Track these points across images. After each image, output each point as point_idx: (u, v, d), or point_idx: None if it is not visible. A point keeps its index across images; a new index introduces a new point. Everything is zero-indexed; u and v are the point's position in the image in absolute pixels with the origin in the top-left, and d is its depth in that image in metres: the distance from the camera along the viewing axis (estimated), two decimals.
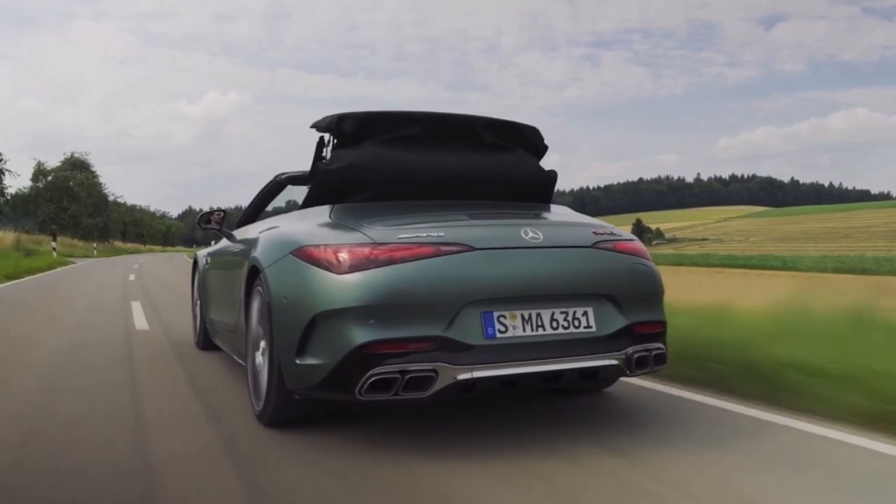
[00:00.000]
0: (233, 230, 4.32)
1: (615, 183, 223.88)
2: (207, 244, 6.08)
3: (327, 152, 3.24)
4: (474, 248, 2.63)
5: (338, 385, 2.53)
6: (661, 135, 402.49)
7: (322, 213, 3.03)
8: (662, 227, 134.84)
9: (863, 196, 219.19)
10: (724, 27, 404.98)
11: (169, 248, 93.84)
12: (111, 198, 61.49)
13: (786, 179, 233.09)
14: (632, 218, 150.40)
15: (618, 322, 2.79)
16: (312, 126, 3.30)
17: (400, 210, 3.01)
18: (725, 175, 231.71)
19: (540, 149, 3.63)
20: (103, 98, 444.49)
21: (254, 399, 3.11)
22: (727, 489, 2.23)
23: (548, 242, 2.77)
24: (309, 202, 3.26)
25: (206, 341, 5.01)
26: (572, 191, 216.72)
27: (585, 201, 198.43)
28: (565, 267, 2.78)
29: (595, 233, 2.95)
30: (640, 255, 3.03)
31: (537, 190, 3.53)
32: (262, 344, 3.02)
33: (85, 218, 50.76)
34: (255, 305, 3.16)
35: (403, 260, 2.54)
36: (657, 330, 2.94)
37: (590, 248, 2.88)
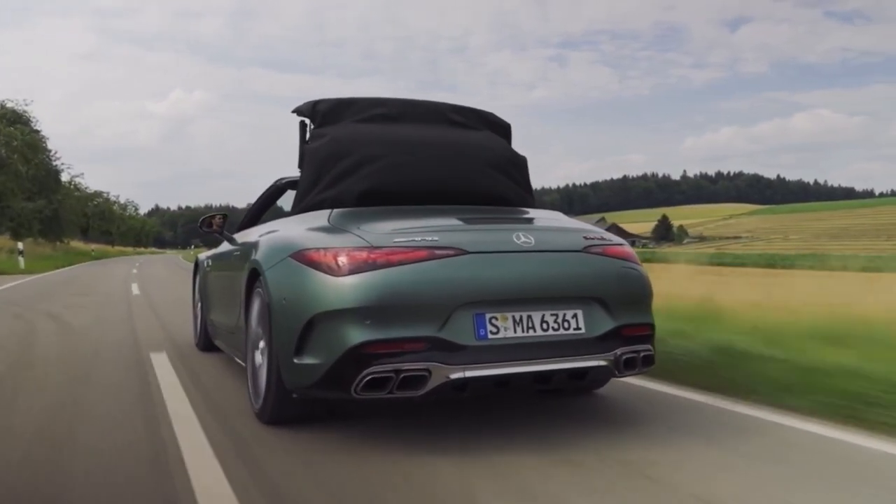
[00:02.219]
0: (234, 234, 4.41)
1: (602, 180, 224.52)
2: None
3: (308, 134, 3.57)
4: (467, 252, 2.73)
5: (334, 384, 2.63)
6: (628, 135, 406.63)
7: (321, 217, 3.13)
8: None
9: (848, 194, 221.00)
10: (690, 29, 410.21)
11: (142, 249, 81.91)
12: (66, 176, 44.11)
13: (771, 177, 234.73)
14: (642, 215, 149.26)
15: (607, 324, 2.89)
16: (293, 111, 3.66)
17: (396, 214, 3.11)
18: (711, 172, 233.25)
19: (507, 131, 4.00)
20: (64, 96, 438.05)
21: (253, 398, 3.21)
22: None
23: (539, 246, 2.88)
24: (301, 183, 3.48)
25: (206, 342, 5.10)
26: (559, 188, 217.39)
27: (573, 199, 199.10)
28: (556, 270, 2.88)
29: (586, 237, 3.07)
30: (629, 260, 3.14)
31: (513, 167, 3.74)
32: (262, 344, 3.11)
33: (16, 199, 33.85)
34: (255, 307, 3.25)
35: (399, 263, 2.65)
36: (645, 332, 3.05)
37: (580, 253, 2.98)
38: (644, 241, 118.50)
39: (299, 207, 3.44)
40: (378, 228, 2.82)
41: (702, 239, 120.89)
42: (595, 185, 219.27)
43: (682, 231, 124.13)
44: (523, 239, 2.86)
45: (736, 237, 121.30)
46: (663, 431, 2.99)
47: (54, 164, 39.93)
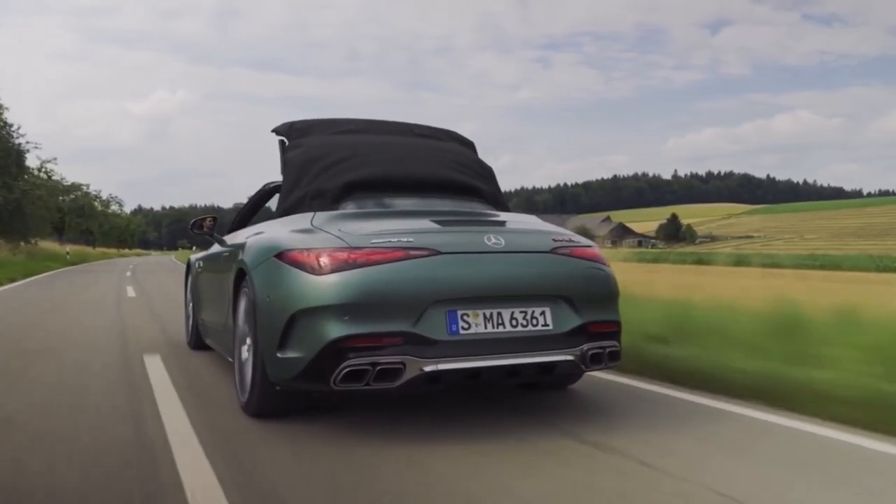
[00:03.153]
0: (224, 235, 4.58)
1: (593, 179, 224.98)
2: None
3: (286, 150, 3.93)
4: (441, 253, 2.92)
5: (315, 376, 2.81)
6: (611, 136, 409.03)
7: (304, 219, 3.31)
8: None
9: (838, 193, 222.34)
10: (672, 31, 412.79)
11: (126, 250, 72.24)
12: (35, 161, 35.99)
13: (763, 177, 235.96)
14: (640, 214, 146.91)
15: (573, 321, 3.08)
16: (273, 130, 4.05)
17: (374, 217, 3.30)
18: (701, 172, 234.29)
19: (472, 147, 4.37)
20: (44, 96, 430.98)
21: (240, 392, 3.38)
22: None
23: (509, 248, 3.06)
24: (283, 187, 3.78)
25: (197, 341, 5.27)
26: (550, 188, 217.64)
27: (565, 198, 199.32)
28: (525, 270, 3.07)
29: (554, 240, 3.26)
30: (596, 261, 3.33)
31: (483, 170, 4.02)
32: (248, 340, 3.28)
33: None
34: (242, 305, 3.43)
35: (375, 263, 2.83)
36: (611, 329, 3.23)
37: (548, 254, 3.17)
38: (652, 240, 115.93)
39: (283, 208, 3.65)
40: (357, 230, 2.99)
41: (713, 239, 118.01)
42: (587, 185, 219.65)
43: (691, 231, 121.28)
44: (494, 240, 3.04)
45: (747, 237, 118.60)
46: None
47: (15, 141, 29.75)
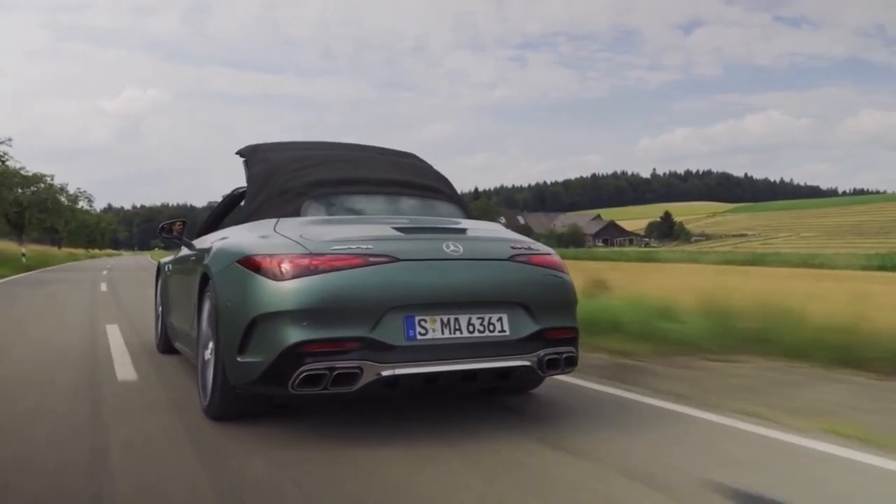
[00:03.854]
0: (193, 239, 4.61)
1: (573, 178, 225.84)
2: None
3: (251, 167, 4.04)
4: (399, 259, 2.98)
5: (273, 380, 2.86)
6: (586, 135, 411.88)
7: (267, 225, 3.35)
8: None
9: (814, 192, 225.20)
10: (646, 32, 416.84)
11: (97, 250, 67.30)
12: None
13: (741, 176, 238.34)
14: (626, 213, 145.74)
15: (530, 327, 3.15)
16: (237, 153, 4.15)
17: (335, 224, 3.36)
18: (680, 171, 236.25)
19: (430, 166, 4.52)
20: (13, 94, 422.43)
21: (202, 395, 3.43)
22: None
23: (467, 255, 3.13)
24: (248, 195, 3.92)
25: (166, 344, 5.29)
26: (530, 186, 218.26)
27: (545, 197, 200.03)
28: (482, 277, 3.14)
29: (513, 247, 3.32)
30: (554, 268, 3.40)
31: (439, 178, 4.18)
32: (211, 344, 3.33)
33: None
34: (206, 309, 3.47)
35: (334, 269, 2.89)
36: (569, 335, 3.31)
37: (506, 261, 3.24)
38: (645, 239, 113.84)
39: (247, 213, 3.74)
40: (318, 237, 3.05)
41: (707, 237, 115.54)
42: (567, 184, 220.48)
43: (683, 229, 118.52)
44: (452, 247, 3.11)
45: (741, 234, 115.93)
46: None
47: None
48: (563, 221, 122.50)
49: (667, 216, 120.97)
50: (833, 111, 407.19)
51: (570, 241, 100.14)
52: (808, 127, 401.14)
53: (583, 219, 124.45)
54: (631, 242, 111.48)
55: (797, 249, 65.07)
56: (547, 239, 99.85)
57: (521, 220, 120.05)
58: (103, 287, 14.16)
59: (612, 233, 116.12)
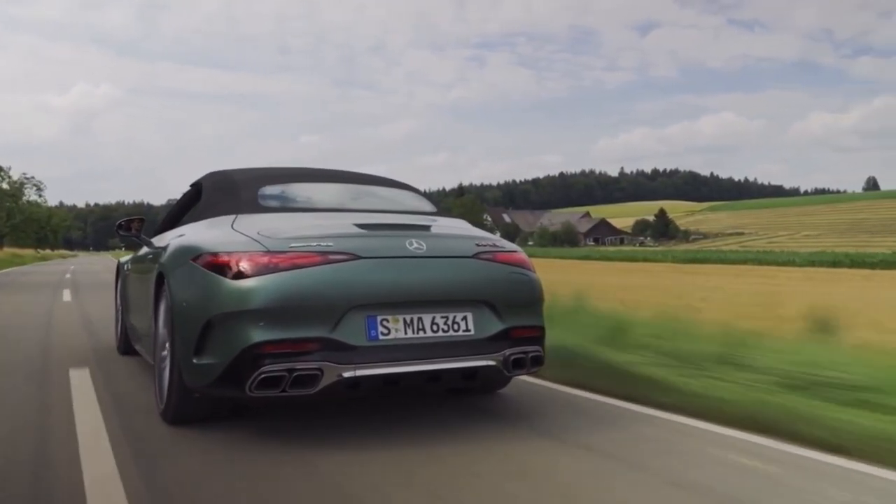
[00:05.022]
0: (152, 237, 4.48)
1: (542, 176, 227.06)
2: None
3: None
4: (360, 257, 2.90)
5: (230, 382, 2.77)
6: (545, 135, 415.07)
7: (225, 222, 3.25)
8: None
9: (777, 191, 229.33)
10: (603, 34, 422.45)
11: (49, 251, 55.91)
12: None
13: (707, 175, 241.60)
14: (608, 211, 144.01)
15: (495, 326, 3.09)
16: (191, 185, 4.21)
17: (296, 221, 3.26)
18: (648, 169, 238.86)
19: None
20: None
21: (158, 398, 3.32)
22: None
23: (431, 252, 3.06)
24: (203, 195, 3.90)
25: (126, 346, 5.13)
26: (499, 184, 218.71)
27: (514, 195, 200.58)
28: (446, 275, 3.08)
29: (478, 244, 3.26)
30: (520, 266, 3.34)
31: (398, 184, 4.18)
32: (168, 346, 3.22)
33: None
34: (162, 309, 3.36)
35: (293, 267, 2.80)
36: (534, 334, 3.25)
37: (470, 259, 3.18)
38: (640, 238, 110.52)
39: (202, 208, 3.72)
40: (277, 234, 2.96)
41: (704, 236, 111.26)
42: (536, 182, 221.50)
43: (675, 227, 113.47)
44: (416, 245, 3.04)
45: (738, 233, 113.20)
46: None
47: None
48: (551, 219, 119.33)
49: (662, 214, 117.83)
50: (784, 113, 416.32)
51: (565, 239, 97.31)
52: (761, 128, 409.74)
53: (572, 217, 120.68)
54: (622, 241, 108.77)
55: (809, 248, 63.67)
56: (539, 238, 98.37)
57: (506, 217, 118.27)
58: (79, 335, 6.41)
59: (603, 231, 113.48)
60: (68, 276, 19.02)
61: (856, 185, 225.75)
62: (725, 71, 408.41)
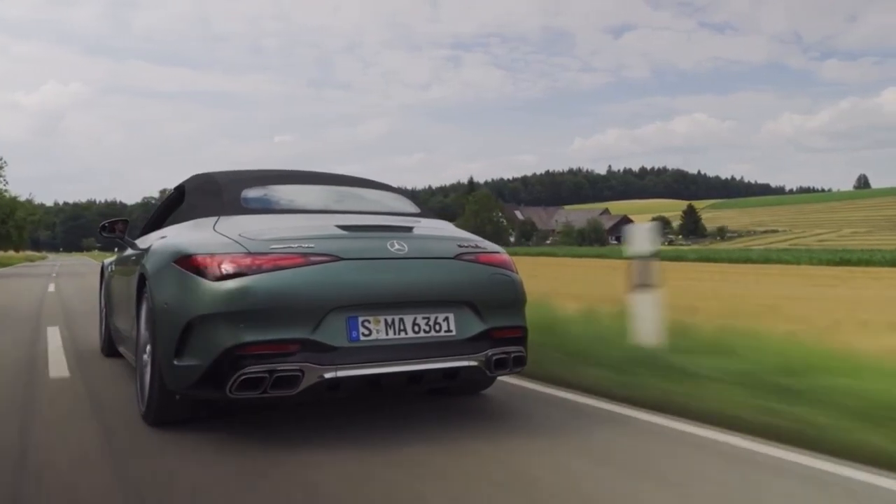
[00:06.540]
0: (136, 239, 4.47)
1: (531, 174, 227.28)
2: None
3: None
4: (341, 259, 2.92)
5: (211, 384, 2.79)
6: (520, 136, 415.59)
7: (207, 224, 3.26)
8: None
9: (765, 189, 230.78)
10: (577, 35, 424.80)
11: (14, 253, 51.46)
12: None
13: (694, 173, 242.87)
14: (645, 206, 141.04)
15: (477, 327, 3.12)
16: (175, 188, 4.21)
17: (276, 222, 3.27)
18: (635, 168, 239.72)
19: None
20: None
21: (139, 400, 3.32)
22: None
23: (412, 254, 3.09)
24: (187, 197, 3.89)
25: (110, 348, 5.13)
26: (487, 182, 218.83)
27: (504, 193, 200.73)
28: (427, 276, 3.10)
29: (459, 245, 3.28)
30: (502, 266, 3.36)
31: (379, 186, 4.19)
32: (149, 347, 3.22)
33: None
34: (144, 311, 3.36)
35: (274, 269, 2.82)
36: (516, 335, 3.28)
37: (452, 260, 3.20)
38: (670, 237, 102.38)
39: (185, 209, 3.74)
40: (258, 235, 2.97)
41: (739, 235, 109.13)
42: (525, 180, 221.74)
43: (702, 226, 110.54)
44: (397, 246, 3.06)
45: (771, 231, 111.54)
46: None
47: None
48: (567, 216, 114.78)
49: (691, 211, 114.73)
50: (750, 115, 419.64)
51: (594, 238, 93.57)
52: (732, 129, 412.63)
53: (591, 213, 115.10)
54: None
55: (869, 245, 61.21)
56: (565, 236, 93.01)
57: (519, 214, 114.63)
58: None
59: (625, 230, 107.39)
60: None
61: (827, 184, 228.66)
62: (697, 73, 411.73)
